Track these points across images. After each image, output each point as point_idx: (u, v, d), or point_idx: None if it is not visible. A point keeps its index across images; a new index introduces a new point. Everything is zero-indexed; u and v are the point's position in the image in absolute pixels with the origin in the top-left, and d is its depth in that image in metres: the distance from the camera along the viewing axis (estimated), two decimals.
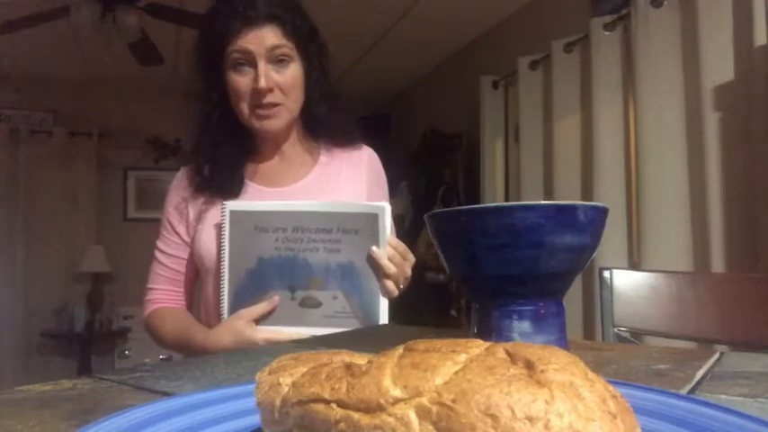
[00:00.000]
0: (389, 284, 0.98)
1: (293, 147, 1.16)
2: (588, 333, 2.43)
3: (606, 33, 2.41)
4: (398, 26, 3.46)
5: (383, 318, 0.98)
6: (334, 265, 0.97)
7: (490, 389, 0.24)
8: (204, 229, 1.08)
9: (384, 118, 4.79)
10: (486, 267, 0.52)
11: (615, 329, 1.11)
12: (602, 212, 0.52)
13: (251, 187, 1.12)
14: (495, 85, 3.25)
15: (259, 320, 0.98)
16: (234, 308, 1.00)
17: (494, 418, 0.23)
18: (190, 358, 0.82)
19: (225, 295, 1.01)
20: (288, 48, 1.04)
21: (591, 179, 2.45)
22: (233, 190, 1.09)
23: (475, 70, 3.42)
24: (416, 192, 4.13)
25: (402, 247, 1.01)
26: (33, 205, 4.34)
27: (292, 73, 1.06)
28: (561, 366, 0.25)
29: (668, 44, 2.13)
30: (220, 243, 1.02)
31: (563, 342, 0.54)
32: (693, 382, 0.51)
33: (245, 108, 1.06)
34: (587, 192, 2.52)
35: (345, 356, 0.33)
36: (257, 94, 1.03)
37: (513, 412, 0.23)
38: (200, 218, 1.11)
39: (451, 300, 3.51)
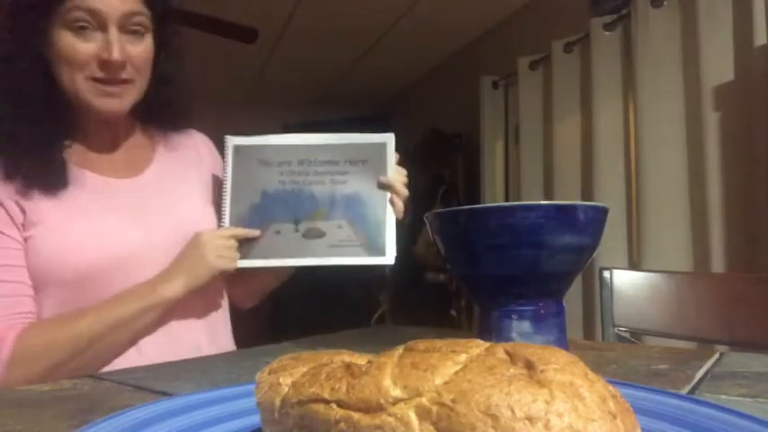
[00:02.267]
0: (400, 204, 0.98)
1: (131, 130, 1.01)
2: (588, 333, 2.43)
3: (606, 33, 2.41)
4: (398, 26, 3.45)
5: (390, 247, 0.96)
6: (339, 196, 0.98)
7: (490, 389, 0.24)
8: (47, 232, 0.86)
9: (384, 118, 4.79)
10: (486, 267, 0.52)
11: (615, 329, 1.12)
12: (602, 212, 0.52)
13: (90, 177, 0.93)
14: (495, 85, 3.25)
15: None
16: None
17: (494, 418, 0.23)
18: (189, 359, 0.81)
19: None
20: (144, 16, 0.88)
21: (591, 179, 2.45)
22: (58, 180, 0.88)
23: (475, 70, 3.41)
24: (416, 192, 4.12)
25: (403, 172, 1.02)
26: None
27: (146, 47, 0.90)
28: (561, 366, 0.25)
29: (668, 44, 2.13)
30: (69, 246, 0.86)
31: (563, 342, 0.54)
32: (693, 382, 0.51)
33: (80, 81, 0.86)
34: (587, 192, 2.52)
35: (345, 356, 0.33)
36: (106, 67, 0.85)
37: (513, 412, 0.23)
38: (35, 220, 0.86)
39: (451, 300, 3.51)
